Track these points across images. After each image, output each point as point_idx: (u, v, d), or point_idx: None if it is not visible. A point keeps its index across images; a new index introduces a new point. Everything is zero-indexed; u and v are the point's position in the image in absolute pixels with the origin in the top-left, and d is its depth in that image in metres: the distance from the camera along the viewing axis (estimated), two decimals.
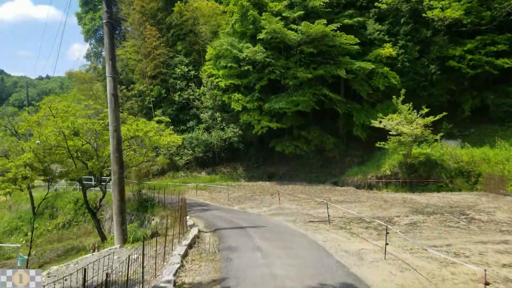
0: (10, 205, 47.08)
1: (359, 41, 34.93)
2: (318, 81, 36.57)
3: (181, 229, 15.61)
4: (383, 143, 30.37)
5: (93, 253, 14.20)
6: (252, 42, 36.38)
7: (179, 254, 11.08)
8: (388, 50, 35.48)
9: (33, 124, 22.04)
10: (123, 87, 47.20)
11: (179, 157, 43.03)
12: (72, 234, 31.45)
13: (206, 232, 16.26)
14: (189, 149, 42.28)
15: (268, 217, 20.23)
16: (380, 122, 30.97)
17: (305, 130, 39.36)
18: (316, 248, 13.06)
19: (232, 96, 37.42)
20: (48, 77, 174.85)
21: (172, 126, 26.27)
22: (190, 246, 12.84)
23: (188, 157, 42.53)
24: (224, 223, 18.46)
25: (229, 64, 36.04)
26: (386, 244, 11.69)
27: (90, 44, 61.02)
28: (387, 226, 12.00)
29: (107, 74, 14.71)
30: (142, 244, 8.99)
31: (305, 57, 36.00)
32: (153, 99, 44.57)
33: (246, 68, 35.48)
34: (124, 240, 14.52)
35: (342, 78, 37.14)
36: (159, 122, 24.05)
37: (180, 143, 25.62)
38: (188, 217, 19.53)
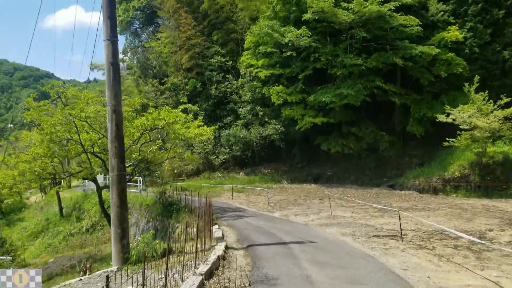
0: (42, 206, 45.32)
1: (420, 23, 30.09)
2: (371, 70, 31.78)
3: (204, 244, 11.72)
4: (453, 140, 25.48)
5: (81, 278, 10.48)
6: (296, 28, 32.21)
7: None
8: (454, 33, 30.22)
9: (40, 113, 18.84)
10: (155, 80, 44.23)
11: (215, 156, 39.41)
12: (96, 240, 28.39)
13: (236, 249, 12.22)
14: (226, 147, 38.58)
15: (318, 229, 15.97)
16: (448, 115, 26.07)
17: (356, 126, 34.59)
18: (397, 282, 8.74)
19: (272, 89, 33.32)
20: (96, 80, 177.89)
21: (203, 117, 22.39)
22: (209, 274, 8.86)
23: (225, 156, 38.85)
24: (261, 236, 14.37)
25: (269, 50, 32.00)
26: None
27: (125, 40, 58.86)
28: None
29: (104, 37, 11.02)
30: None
31: (356, 43, 31.52)
32: (188, 93, 41.19)
33: (288, 54, 31.32)
34: (125, 260, 10.75)
35: (399, 66, 32.32)
36: (185, 111, 20.33)
37: (211, 137, 21.79)
38: (216, 226, 15.64)
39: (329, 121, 33.24)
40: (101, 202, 19.99)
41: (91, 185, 39.02)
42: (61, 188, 46.80)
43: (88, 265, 13.70)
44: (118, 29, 57.38)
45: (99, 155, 19.71)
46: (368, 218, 17.93)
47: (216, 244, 11.86)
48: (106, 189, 23.30)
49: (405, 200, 24.07)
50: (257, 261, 10.52)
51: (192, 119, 21.21)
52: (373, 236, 14.00)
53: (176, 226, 19.14)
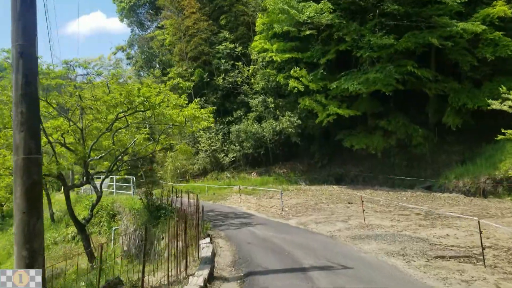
0: None
1: None
2: (402, 53, 27.19)
3: (177, 270, 7.36)
4: (510, 131, 20.90)
5: None
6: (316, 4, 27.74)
7: None
8: (501, 8, 25.43)
9: None
10: (158, 70, 40.13)
11: (224, 154, 34.93)
12: (81, 250, 24.31)
13: (227, 279, 7.87)
14: (236, 144, 34.11)
15: (349, 244, 11.45)
16: (502, 102, 21.44)
17: (384, 119, 29.84)
18: None
19: (292, 72, 28.90)
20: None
21: (199, 99, 18.03)
22: None
23: (235, 154, 34.34)
24: (268, 256, 9.94)
25: (285, 28, 27.60)
26: None
27: (131, 32, 54.73)
28: None
29: None
30: None
31: (386, 20, 26.89)
32: (193, 84, 36.85)
33: (307, 33, 26.86)
34: None
35: (434, 48, 27.92)
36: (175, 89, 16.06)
37: (209, 124, 17.17)
38: (207, 240, 11.18)
39: (355, 113, 28.67)
40: (69, 204, 15.81)
41: (86, 187, 35.45)
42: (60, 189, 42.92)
43: None
44: (118, 16, 53.88)
45: (70, 146, 15.53)
46: (415, 228, 13.32)
47: (193, 275, 7.39)
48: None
49: (453, 204, 19.42)
50: None
51: (186, 101, 16.84)
52: (436, 258, 9.44)
53: (161, 237, 14.88)
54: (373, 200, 20.75)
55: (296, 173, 33.55)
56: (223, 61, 36.46)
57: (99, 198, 16.26)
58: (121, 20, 52.84)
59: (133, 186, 25.42)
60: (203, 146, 35.30)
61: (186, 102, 17.11)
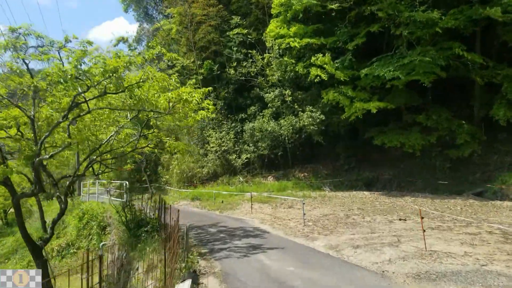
0: (36, 218, 38.34)
1: None
2: (444, 34, 22.79)
3: None
4: None
5: None
6: None
7: None
8: None
9: None
10: (162, 63, 36.25)
11: (236, 156, 30.77)
12: (65, 268, 20.74)
13: None
14: (250, 144, 29.96)
15: None
16: None
17: (422, 113, 25.33)
18: None
19: (313, 59, 24.79)
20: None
21: (194, 79, 13.89)
22: None
23: (248, 155, 30.16)
24: None
25: (306, 1, 23.48)
26: None
27: (139, 26, 50.98)
28: None
29: None
30: None
31: None
32: (202, 77, 32.72)
33: (334, 7, 22.76)
34: None
35: (480, 29, 23.51)
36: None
37: (209, 114, 12.95)
38: (186, 284, 7.05)
39: (386, 106, 24.30)
40: (19, 220, 11.92)
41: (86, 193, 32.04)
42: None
43: None
44: (122, 6, 50.49)
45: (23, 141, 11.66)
46: (506, 258, 9.02)
47: None
48: None
49: None
50: None
51: (179, 84, 12.79)
52: None
53: (137, 266, 10.83)
54: (422, 211, 16.31)
55: (319, 177, 29.18)
56: (235, 49, 32.33)
57: (62, 211, 12.39)
58: (125, 10, 49.51)
59: (126, 193, 21.50)
60: (213, 147, 31.25)
61: (179, 85, 13.06)
